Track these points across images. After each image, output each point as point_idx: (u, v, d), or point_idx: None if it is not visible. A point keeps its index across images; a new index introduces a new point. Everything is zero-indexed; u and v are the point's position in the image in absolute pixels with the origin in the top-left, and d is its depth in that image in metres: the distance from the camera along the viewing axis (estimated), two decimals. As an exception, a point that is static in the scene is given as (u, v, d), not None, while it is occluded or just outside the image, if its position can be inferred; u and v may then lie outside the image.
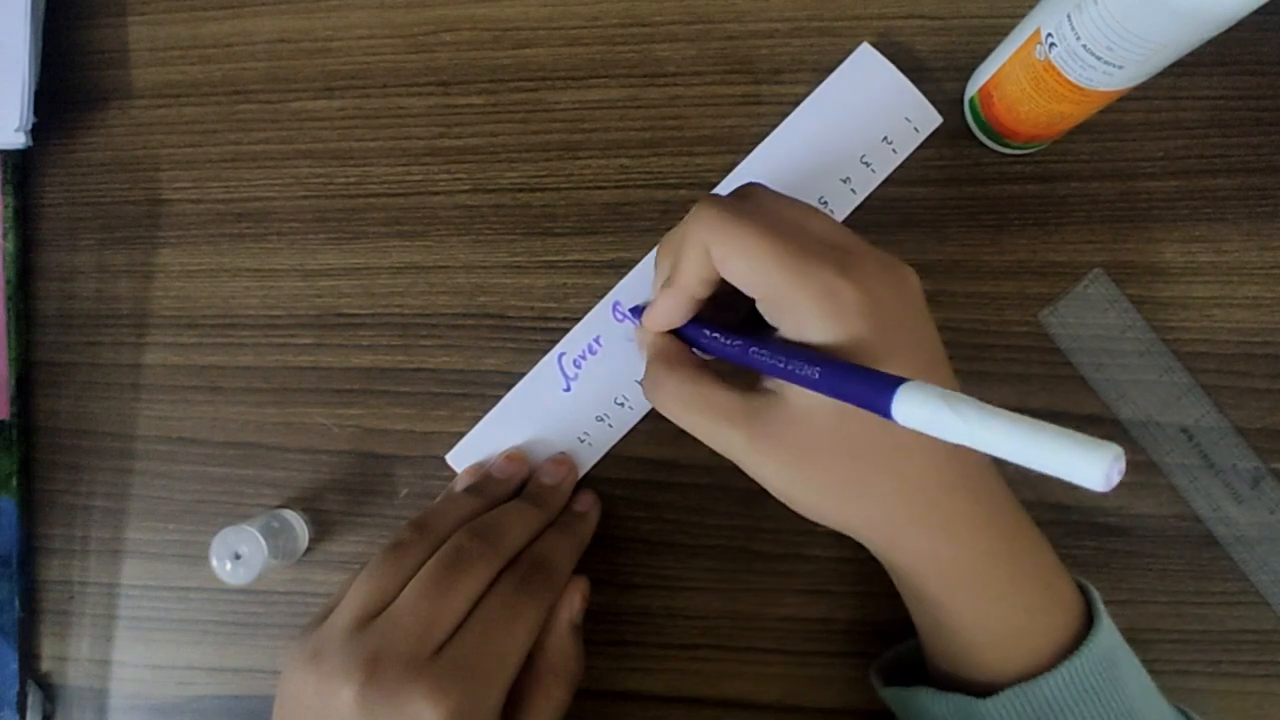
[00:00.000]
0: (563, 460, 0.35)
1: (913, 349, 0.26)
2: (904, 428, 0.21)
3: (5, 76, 0.37)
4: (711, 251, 0.26)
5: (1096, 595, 0.28)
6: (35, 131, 0.37)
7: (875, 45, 0.36)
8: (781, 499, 0.27)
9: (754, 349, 0.26)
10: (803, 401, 0.25)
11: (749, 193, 0.28)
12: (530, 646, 0.29)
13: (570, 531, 0.33)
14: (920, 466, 0.25)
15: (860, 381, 0.22)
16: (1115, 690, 0.26)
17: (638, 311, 0.32)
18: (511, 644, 0.28)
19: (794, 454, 0.26)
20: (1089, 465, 0.17)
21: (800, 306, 0.25)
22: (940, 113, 0.36)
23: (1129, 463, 0.34)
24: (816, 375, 0.23)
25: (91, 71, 0.39)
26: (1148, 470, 0.34)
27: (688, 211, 0.35)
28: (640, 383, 0.30)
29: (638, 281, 0.36)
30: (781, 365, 0.24)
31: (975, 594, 0.27)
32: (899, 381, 0.21)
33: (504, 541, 0.30)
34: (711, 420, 0.27)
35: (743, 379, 0.27)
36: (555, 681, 0.30)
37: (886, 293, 0.25)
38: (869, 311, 0.24)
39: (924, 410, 0.20)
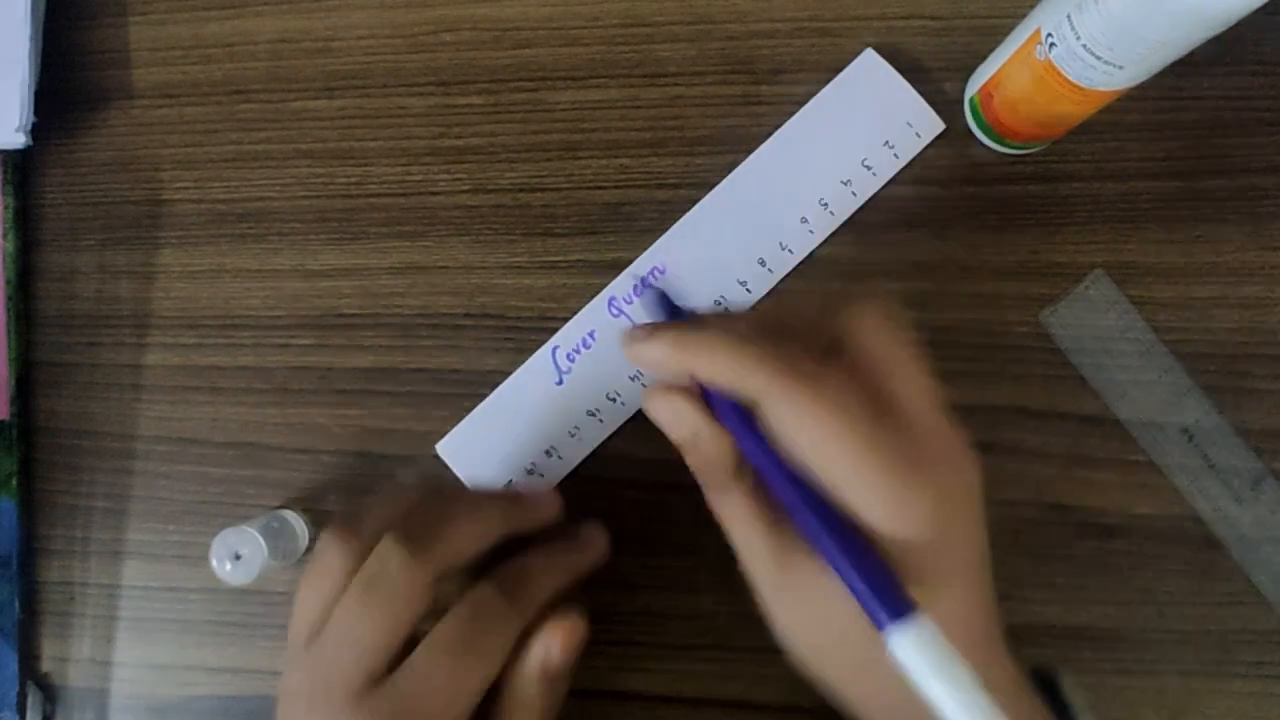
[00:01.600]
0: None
1: (959, 576, 0.23)
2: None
3: (5, 76, 0.37)
4: (766, 412, 0.22)
5: None
6: (35, 131, 0.37)
7: (876, 46, 0.36)
8: (786, 648, 0.25)
9: (801, 502, 0.22)
10: (834, 581, 0.22)
11: (810, 364, 0.22)
12: (490, 681, 0.25)
13: (564, 553, 0.30)
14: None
15: (879, 591, 0.20)
16: None
17: (655, 301, 0.28)
18: (454, 687, 0.25)
19: (805, 624, 0.24)
20: None
21: (860, 497, 0.22)
22: (940, 113, 0.36)
23: (1130, 463, 0.34)
24: (838, 556, 0.21)
25: (91, 71, 0.39)
26: (1148, 471, 0.34)
27: (690, 209, 0.35)
28: (705, 492, 0.26)
29: (633, 277, 0.36)
30: (813, 528, 0.22)
31: None
32: (912, 612, 0.20)
33: (439, 547, 0.26)
34: (763, 546, 0.24)
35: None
36: None
37: (955, 500, 0.23)
38: (933, 528, 0.22)
39: (919, 658, 0.19)
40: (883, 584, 0.21)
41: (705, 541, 0.35)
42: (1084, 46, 0.28)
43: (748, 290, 0.36)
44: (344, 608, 0.25)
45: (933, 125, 0.36)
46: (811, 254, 0.36)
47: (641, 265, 0.36)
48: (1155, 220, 0.35)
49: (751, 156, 0.36)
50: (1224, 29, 0.25)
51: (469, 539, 0.27)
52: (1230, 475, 0.34)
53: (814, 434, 0.22)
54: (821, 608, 0.23)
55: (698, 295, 0.36)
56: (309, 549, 0.36)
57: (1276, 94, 0.36)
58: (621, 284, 0.36)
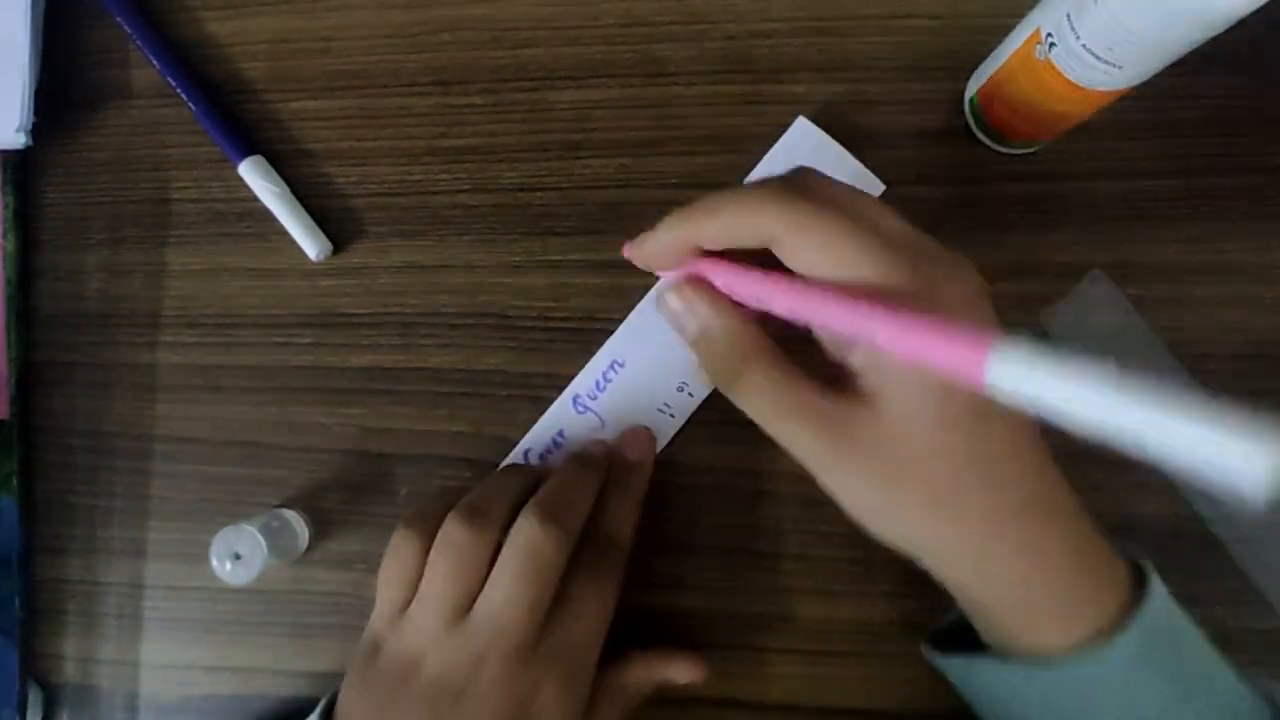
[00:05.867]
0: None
1: None
2: (1000, 429, 0.21)
3: (5, 76, 0.37)
4: (781, 244, 0.24)
5: (1149, 567, 0.27)
6: (35, 131, 0.37)
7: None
8: (859, 517, 0.25)
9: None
10: (899, 409, 0.23)
11: (814, 184, 0.25)
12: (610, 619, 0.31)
13: (628, 490, 0.33)
14: (1015, 477, 0.24)
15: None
16: (1175, 660, 0.26)
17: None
18: (599, 623, 0.30)
19: (889, 470, 0.24)
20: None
21: (882, 272, 0.23)
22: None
23: (1130, 463, 0.34)
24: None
25: (91, 71, 0.39)
26: (1148, 470, 0.34)
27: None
28: (707, 373, 0.27)
29: (620, 343, 0.36)
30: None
31: (1030, 606, 0.25)
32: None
33: (573, 520, 0.30)
34: (800, 427, 0.24)
35: (827, 381, 0.25)
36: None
37: (970, 304, 0.25)
38: (955, 298, 0.24)
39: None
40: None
41: (705, 541, 0.36)
42: (1084, 46, 0.28)
43: (747, 290, 0.36)
44: (505, 579, 0.29)
45: (873, 187, 0.35)
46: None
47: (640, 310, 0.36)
48: (1155, 220, 0.35)
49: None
50: (1224, 29, 0.25)
51: (586, 503, 0.31)
52: (1230, 475, 0.34)
53: (834, 239, 0.23)
54: (897, 443, 0.23)
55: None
56: (309, 548, 0.36)
57: (1276, 94, 0.36)
58: (583, 380, 0.36)
